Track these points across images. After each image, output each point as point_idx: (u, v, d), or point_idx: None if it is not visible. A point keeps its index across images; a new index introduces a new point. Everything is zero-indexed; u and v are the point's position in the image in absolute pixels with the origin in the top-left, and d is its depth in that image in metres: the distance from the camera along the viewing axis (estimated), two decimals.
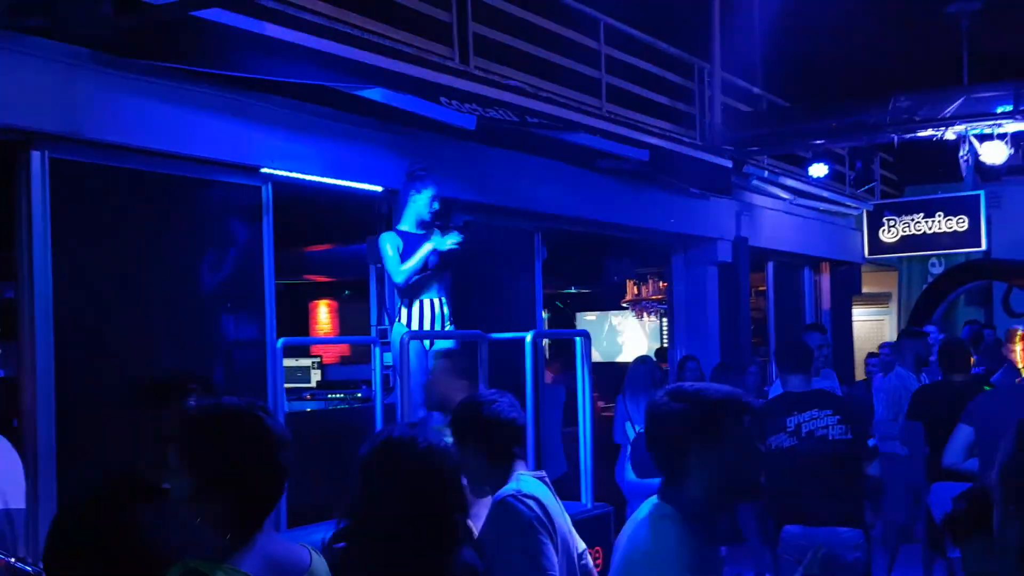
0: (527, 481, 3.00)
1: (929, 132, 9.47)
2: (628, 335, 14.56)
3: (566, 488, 6.10)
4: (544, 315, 9.74)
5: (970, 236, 12.31)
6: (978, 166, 10.29)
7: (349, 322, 11.84)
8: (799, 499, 4.97)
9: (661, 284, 11.97)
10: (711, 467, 2.31)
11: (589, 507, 5.43)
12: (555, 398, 7.82)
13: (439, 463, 2.55)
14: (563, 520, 3.05)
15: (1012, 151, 9.41)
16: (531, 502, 2.91)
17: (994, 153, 9.43)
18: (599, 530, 5.23)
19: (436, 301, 5.75)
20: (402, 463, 2.55)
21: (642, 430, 6.26)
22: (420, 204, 5.71)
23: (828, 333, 7.05)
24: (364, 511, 2.55)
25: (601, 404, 9.96)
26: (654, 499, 2.40)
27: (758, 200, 10.87)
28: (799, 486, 4.94)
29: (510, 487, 2.96)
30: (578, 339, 5.71)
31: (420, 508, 2.50)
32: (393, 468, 2.55)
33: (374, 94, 5.70)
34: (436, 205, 5.73)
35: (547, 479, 3.09)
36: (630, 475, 7.29)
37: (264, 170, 5.63)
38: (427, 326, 5.69)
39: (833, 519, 4.96)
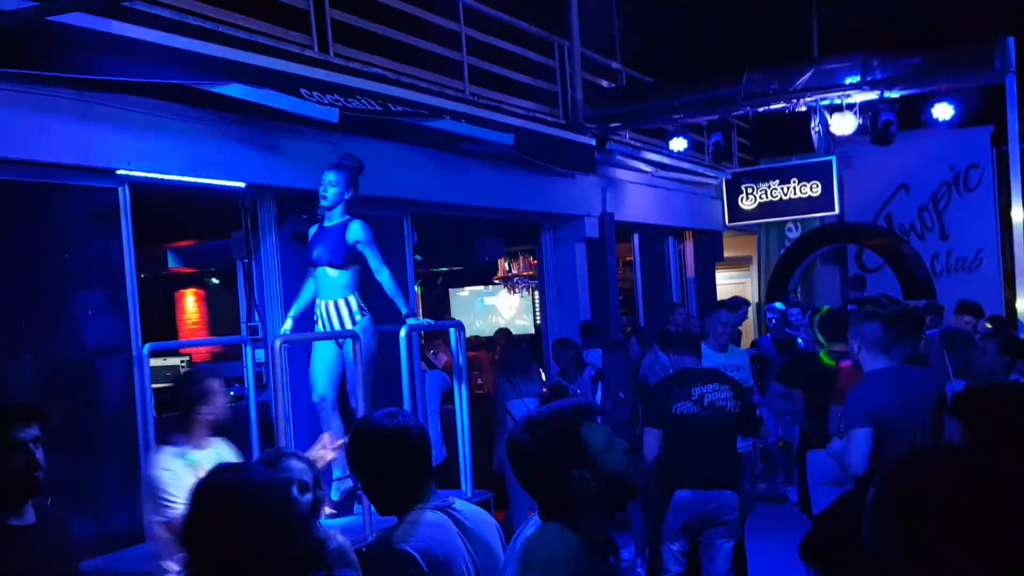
0: (427, 522, 2.74)
1: (781, 105, 9.84)
2: (501, 310, 14.72)
3: (446, 475, 6.23)
4: (418, 290, 9.77)
5: (824, 201, 12.82)
6: (829, 136, 10.72)
7: (217, 311, 11.62)
8: (694, 463, 5.46)
9: (532, 260, 12.11)
10: (584, 485, 2.29)
11: (468, 495, 5.52)
12: (432, 384, 7.88)
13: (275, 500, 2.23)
14: (467, 558, 2.78)
15: (860, 121, 9.82)
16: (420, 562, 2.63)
17: (843, 124, 9.83)
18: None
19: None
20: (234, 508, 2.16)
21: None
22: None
23: (739, 310, 7.25)
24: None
25: (478, 381, 10.09)
26: (537, 519, 2.41)
27: (622, 175, 11.09)
28: (697, 450, 5.45)
29: (405, 531, 2.71)
30: (452, 330, 5.77)
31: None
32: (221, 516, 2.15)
33: (232, 90, 5.58)
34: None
35: (453, 507, 2.83)
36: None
37: (120, 172, 5.46)
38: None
39: (720, 483, 5.51)
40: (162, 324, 11.32)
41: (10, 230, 5.05)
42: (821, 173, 12.74)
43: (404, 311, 5.65)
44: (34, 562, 2.97)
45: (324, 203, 5.66)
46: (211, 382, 4.26)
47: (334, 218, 5.69)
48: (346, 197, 5.67)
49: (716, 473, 5.51)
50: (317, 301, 5.69)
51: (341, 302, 5.64)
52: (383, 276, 5.66)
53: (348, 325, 5.57)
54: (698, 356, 5.87)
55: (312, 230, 5.81)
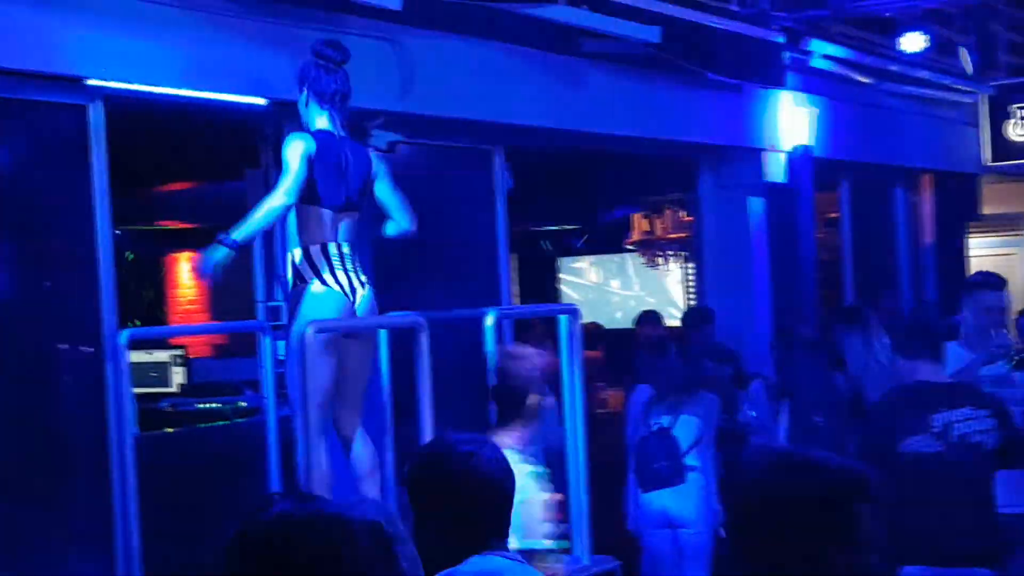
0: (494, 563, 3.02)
1: None
2: (636, 290, 14.73)
3: None
4: (511, 272, 9.87)
5: None
6: None
7: (223, 285, 11.90)
8: (931, 526, 5.35)
9: (683, 216, 12.10)
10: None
11: (586, 563, 5.62)
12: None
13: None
14: None
15: None
16: None
17: None
18: None
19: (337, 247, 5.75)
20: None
21: None
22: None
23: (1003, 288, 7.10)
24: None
25: (602, 394, 10.17)
26: None
27: (824, 90, 10.98)
28: (937, 508, 5.37)
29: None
30: (563, 318, 5.86)
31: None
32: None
33: None
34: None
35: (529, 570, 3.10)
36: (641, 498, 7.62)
37: (91, 82, 5.69)
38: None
39: (971, 558, 5.43)
40: (146, 302, 11.68)
41: None
42: None
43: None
44: None
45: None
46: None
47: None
48: (315, 105, 5.68)
49: (965, 542, 5.44)
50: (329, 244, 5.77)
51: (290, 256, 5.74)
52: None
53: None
54: (939, 362, 5.86)
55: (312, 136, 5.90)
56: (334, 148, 5.64)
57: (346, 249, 5.65)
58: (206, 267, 5.62)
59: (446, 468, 3.09)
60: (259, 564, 2.11)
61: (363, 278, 5.69)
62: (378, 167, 5.78)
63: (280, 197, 5.46)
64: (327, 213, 5.62)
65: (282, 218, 5.71)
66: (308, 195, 5.53)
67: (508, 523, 3.12)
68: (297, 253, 5.65)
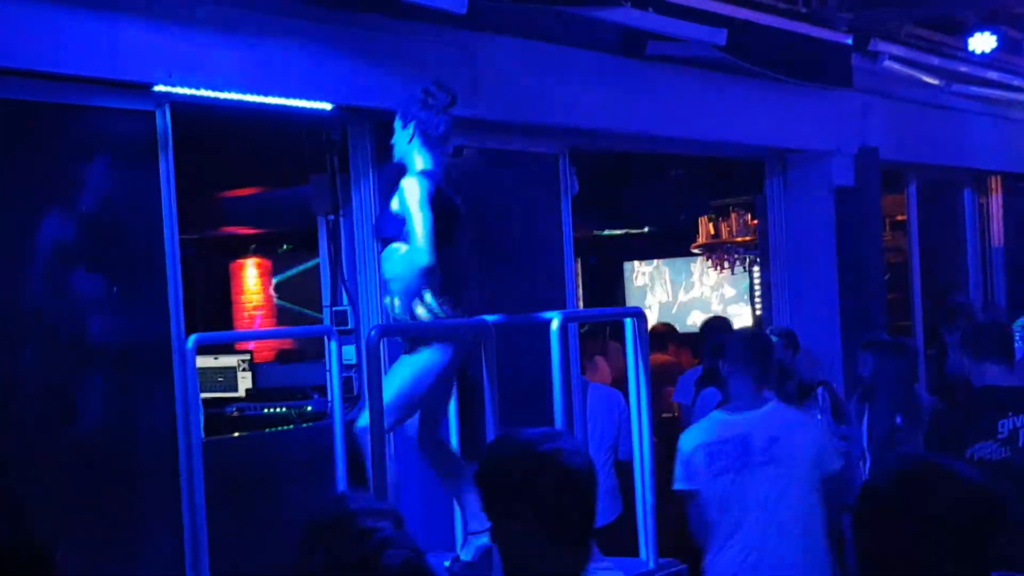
0: None
1: None
2: (702, 293, 14.68)
3: (620, 538, 6.30)
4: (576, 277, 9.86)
5: None
6: None
7: (289, 290, 11.98)
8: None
9: (750, 220, 12.05)
10: None
11: (652, 567, 5.59)
12: (607, 404, 7.97)
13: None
14: None
15: None
16: None
17: None
18: None
19: None
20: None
21: None
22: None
23: None
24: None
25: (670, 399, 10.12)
26: None
27: (892, 91, 10.89)
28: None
29: None
30: (628, 321, 5.83)
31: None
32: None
33: None
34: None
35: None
36: None
37: (158, 88, 5.72)
38: None
39: None
40: (211, 307, 11.76)
41: (9, 167, 5.36)
42: None
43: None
44: None
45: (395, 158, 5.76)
46: None
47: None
48: (419, 143, 5.67)
49: None
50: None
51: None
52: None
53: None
54: (1010, 362, 5.75)
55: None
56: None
57: None
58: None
59: (525, 465, 2.97)
60: None
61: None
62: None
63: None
64: None
65: None
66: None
67: (594, 520, 3.02)
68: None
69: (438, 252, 5.39)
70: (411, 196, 5.41)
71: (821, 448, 6.01)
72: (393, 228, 5.54)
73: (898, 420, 7.18)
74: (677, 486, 5.99)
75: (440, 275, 5.41)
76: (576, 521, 2.92)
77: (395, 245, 5.50)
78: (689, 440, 6.01)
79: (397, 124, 5.65)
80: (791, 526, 5.82)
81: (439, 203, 5.47)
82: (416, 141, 5.58)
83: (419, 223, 5.33)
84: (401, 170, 5.64)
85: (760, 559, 5.79)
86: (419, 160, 5.59)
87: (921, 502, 2.40)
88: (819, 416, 7.66)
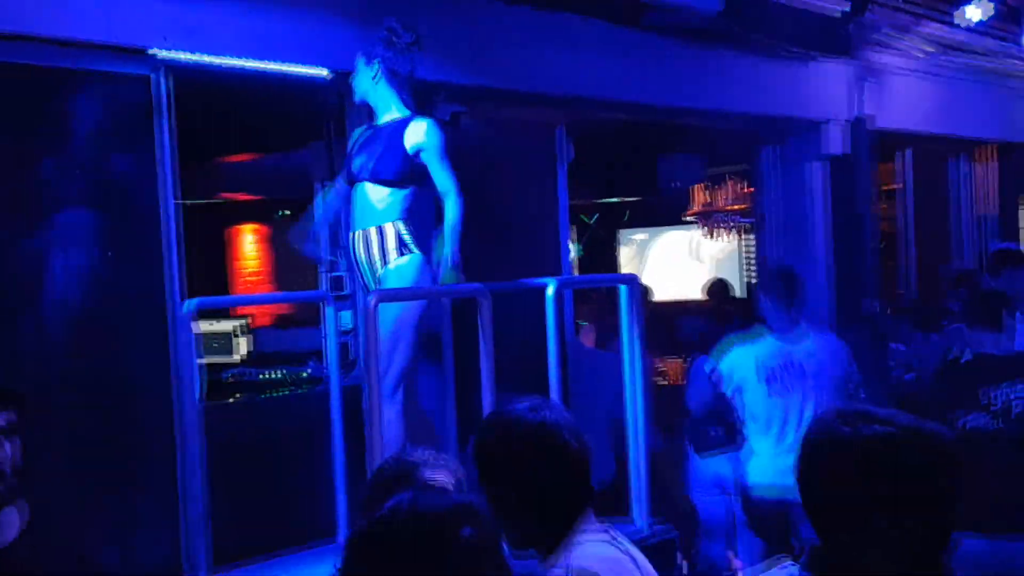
0: (596, 556, 2.97)
1: None
2: (694, 262, 14.70)
3: (611, 499, 6.32)
4: (572, 243, 9.87)
5: None
6: None
7: (286, 257, 11.97)
8: (989, 501, 5.25)
9: (744, 188, 12.06)
10: (891, 540, 2.33)
11: (643, 530, 5.61)
12: (603, 368, 7.96)
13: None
14: None
15: None
16: None
17: None
18: (659, 562, 5.40)
19: None
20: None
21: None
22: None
23: None
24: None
25: (659, 365, 10.16)
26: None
27: (885, 60, 10.87)
28: (996, 483, 5.28)
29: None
30: (623, 287, 5.83)
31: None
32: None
33: None
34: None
35: (619, 537, 3.08)
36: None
37: (154, 52, 5.70)
38: None
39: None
40: (209, 273, 11.76)
41: (6, 131, 5.34)
42: None
43: (447, 259, 5.67)
44: None
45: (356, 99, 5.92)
46: None
47: (383, 113, 5.87)
48: (384, 83, 5.72)
49: (1017, 515, 5.45)
50: (350, 233, 5.86)
51: (381, 230, 5.74)
52: (450, 203, 5.73)
53: (386, 260, 5.69)
54: (1000, 331, 5.76)
55: (358, 133, 6.00)
56: (366, 135, 5.79)
57: None
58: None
59: (517, 437, 3.03)
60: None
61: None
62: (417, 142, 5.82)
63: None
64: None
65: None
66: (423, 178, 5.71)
67: (589, 493, 3.07)
68: (400, 226, 5.70)
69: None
70: (432, 144, 5.61)
71: (848, 371, 6.78)
72: (393, 170, 5.59)
73: (863, 395, 7.32)
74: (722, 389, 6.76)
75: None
76: (567, 492, 2.99)
77: (390, 187, 5.64)
78: (738, 356, 6.73)
79: (359, 63, 5.69)
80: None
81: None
82: (382, 81, 5.61)
83: (448, 174, 5.65)
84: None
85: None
86: (385, 98, 5.62)
87: (875, 453, 2.37)
88: None
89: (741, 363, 6.73)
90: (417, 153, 5.72)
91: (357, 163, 5.85)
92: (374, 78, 5.66)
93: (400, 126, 5.76)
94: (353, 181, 5.87)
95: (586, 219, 14.85)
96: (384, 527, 2.14)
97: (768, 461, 6.58)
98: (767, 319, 6.85)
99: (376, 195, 5.76)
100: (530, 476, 2.95)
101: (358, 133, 6.00)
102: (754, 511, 6.82)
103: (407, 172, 5.74)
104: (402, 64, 5.66)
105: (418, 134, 5.70)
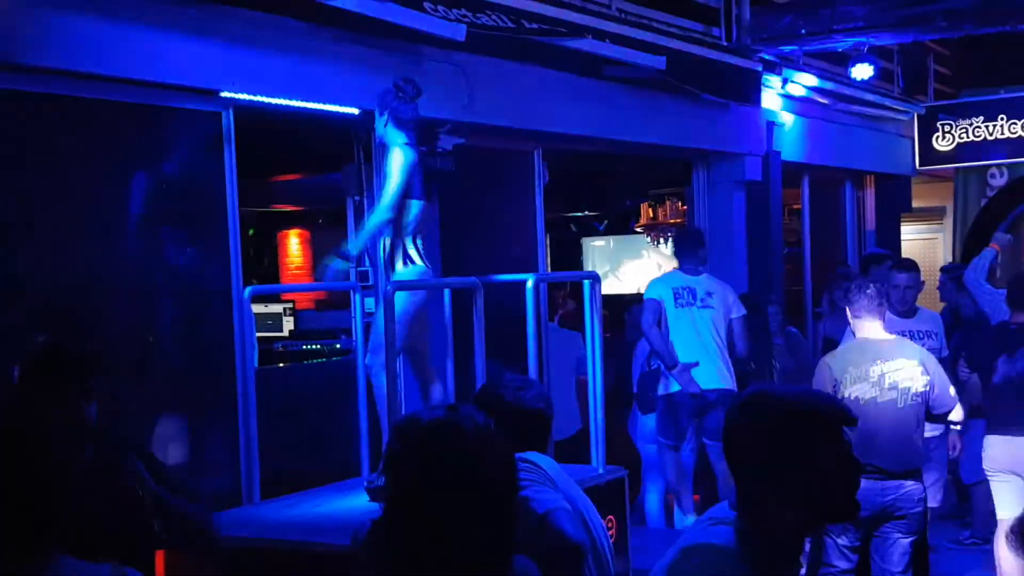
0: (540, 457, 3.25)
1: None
2: (641, 263, 14.69)
3: (581, 449, 6.34)
4: (546, 248, 9.86)
5: None
6: None
7: (323, 254, 11.93)
8: (868, 452, 5.25)
9: (680, 206, 12.05)
10: (795, 492, 2.29)
11: (600, 471, 5.61)
12: (569, 344, 7.98)
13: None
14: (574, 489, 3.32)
15: None
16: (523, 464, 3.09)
17: None
18: (611, 497, 5.43)
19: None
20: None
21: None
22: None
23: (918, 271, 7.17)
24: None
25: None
26: (723, 507, 2.41)
27: (791, 107, 10.89)
28: (874, 440, 5.32)
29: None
30: (586, 282, 5.83)
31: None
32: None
33: (349, 3, 5.75)
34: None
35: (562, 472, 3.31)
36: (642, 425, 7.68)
37: (224, 94, 5.70)
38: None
39: (901, 474, 5.50)
40: (262, 266, 11.74)
41: (102, 155, 5.34)
42: None
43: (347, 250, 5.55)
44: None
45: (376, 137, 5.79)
46: None
47: (392, 149, 5.63)
48: (392, 126, 5.60)
49: (896, 462, 5.49)
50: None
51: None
52: (379, 206, 5.48)
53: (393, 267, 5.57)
54: (881, 319, 5.80)
55: None
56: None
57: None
58: (327, 274, 5.65)
59: (500, 401, 3.27)
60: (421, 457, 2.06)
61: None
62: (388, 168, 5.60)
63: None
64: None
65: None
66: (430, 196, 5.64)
67: (549, 440, 3.36)
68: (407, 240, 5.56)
69: (424, 206, 5.51)
70: (394, 162, 5.44)
71: (732, 299, 7.63)
72: None
73: (752, 365, 7.75)
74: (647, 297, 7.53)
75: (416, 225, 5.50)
76: (531, 436, 3.27)
77: None
78: (658, 285, 7.63)
79: (376, 112, 5.66)
80: (714, 347, 7.40)
81: (420, 168, 5.53)
82: (390, 125, 5.59)
83: (394, 184, 5.38)
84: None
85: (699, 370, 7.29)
86: (395, 139, 5.60)
87: (762, 417, 2.36)
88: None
89: (662, 289, 7.52)
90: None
91: None
92: (385, 125, 5.62)
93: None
94: None
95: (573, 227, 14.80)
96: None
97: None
98: (680, 263, 7.76)
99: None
100: (509, 429, 3.01)
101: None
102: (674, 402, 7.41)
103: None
104: (405, 112, 5.59)
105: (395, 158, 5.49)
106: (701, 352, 7.35)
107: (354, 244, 5.62)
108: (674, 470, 7.52)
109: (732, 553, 2.28)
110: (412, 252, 5.56)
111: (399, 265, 5.56)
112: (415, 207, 5.51)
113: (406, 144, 5.48)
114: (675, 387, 7.35)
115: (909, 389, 5.53)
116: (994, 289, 7.83)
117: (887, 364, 5.54)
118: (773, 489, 2.31)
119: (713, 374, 7.33)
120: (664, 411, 7.48)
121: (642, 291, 8.02)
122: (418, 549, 2.02)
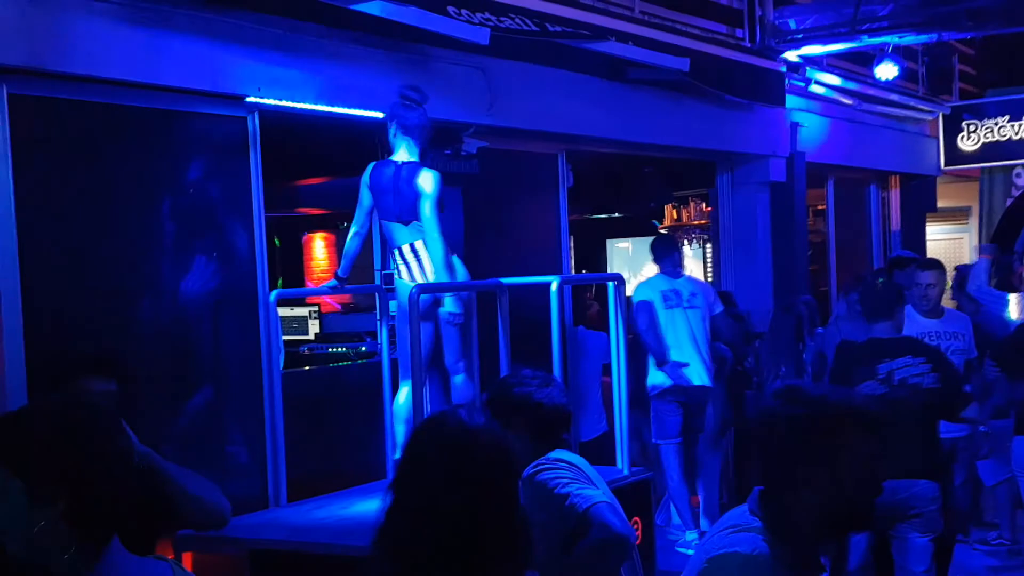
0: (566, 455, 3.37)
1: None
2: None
3: (605, 451, 6.32)
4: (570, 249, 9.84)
5: None
6: None
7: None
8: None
9: (705, 207, 12.01)
10: (821, 489, 2.31)
11: (625, 473, 5.59)
12: (595, 346, 7.96)
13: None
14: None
15: None
16: (560, 464, 3.31)
17: None
18: (636, 499, 5.41)
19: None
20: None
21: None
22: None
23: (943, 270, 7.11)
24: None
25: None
26: (742, 512, 2.41)
27: (816, 108, 10.84)
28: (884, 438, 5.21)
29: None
30: (611, 284, 5.81)
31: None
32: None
33: (372, 7, 5.74)
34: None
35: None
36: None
37: (249, 99, 5.70)
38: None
39: (913, 473, 5.41)
40: (288, 269, 11.76)
41: (130, 160, 5.35)
42: None
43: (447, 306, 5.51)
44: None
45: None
46: None
47: (397, 152, 5.63)
48: (399, 133, 5.58)
49: (907, 462, 5.36)
50: (392, 251, 5.68)
51: (412, 247, 5.55)
52: (430, 241, 5.42)
53: (427, 268, 5.51)
54: (893, 320, 5.75)
55: (372, 167, 5.68)
56: (388, 173, 5.57)
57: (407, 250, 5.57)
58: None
59: (518, 395, 3.39)
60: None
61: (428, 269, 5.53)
62: (421, 189, 5.46)
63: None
64: (385, 225, 5.63)
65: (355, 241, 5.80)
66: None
67: (568, 433, 3.53)
68: (420, 244, 5.53)
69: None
70: (426, 184, 5.40)
71: (712, 297, 7.99)
72: (415, 212, 5.49)
73: (783, 369, 7.60)
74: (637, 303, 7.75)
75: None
76: (556, 432, 3.40)
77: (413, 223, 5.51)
78: (645, 289, 7.87)
79: (387, 120, 5.66)
80: (703, 346, 7.77)
81: (380, 185, 5.55)
82: (398, 132, 5.59)
83: (436, 220, 5.41)
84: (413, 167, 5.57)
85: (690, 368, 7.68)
86: (401, 148, 5.58)
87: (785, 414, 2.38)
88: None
89: (650, 292, 7.80)
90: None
91: (384, 204, 5.59)
92: (394, 135, 5.64)
93: (413, 171, 5.50)
94: (382, 218, 5.68)
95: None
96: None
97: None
98: (661, 267, 7.97)
99: (403, 226, 5.66)
100: (527, 420, 3.39)
101: (372, 167, 5.68)
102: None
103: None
104: (411, 118, 5.59)
105: (426, 183, 5.43)
106: (691, 349, 7.74)
107: (437, 280, 5.47)
108: (677, 470, 7.76)
109: (763, 562, 2.27)
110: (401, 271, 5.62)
111: (416, 270, 5.57)
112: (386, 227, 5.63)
113: (429, 164, 5.53)
114: (658, 380, 7.71)
115: (919, 386, 5.48)
116: (996, 291, 8.04)
117: (895, 361, 5.50)
118: (799, 488, 2.31)
119: (702, 371, 7.73)
120: (653, 410, 7.82)
121: None
122: (424, 556, 2.06)
